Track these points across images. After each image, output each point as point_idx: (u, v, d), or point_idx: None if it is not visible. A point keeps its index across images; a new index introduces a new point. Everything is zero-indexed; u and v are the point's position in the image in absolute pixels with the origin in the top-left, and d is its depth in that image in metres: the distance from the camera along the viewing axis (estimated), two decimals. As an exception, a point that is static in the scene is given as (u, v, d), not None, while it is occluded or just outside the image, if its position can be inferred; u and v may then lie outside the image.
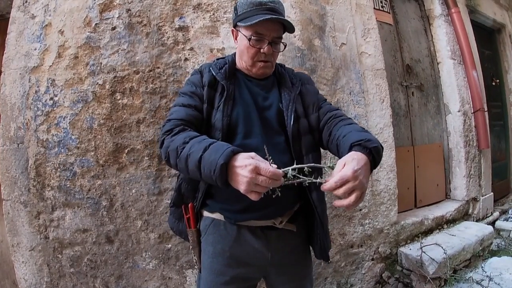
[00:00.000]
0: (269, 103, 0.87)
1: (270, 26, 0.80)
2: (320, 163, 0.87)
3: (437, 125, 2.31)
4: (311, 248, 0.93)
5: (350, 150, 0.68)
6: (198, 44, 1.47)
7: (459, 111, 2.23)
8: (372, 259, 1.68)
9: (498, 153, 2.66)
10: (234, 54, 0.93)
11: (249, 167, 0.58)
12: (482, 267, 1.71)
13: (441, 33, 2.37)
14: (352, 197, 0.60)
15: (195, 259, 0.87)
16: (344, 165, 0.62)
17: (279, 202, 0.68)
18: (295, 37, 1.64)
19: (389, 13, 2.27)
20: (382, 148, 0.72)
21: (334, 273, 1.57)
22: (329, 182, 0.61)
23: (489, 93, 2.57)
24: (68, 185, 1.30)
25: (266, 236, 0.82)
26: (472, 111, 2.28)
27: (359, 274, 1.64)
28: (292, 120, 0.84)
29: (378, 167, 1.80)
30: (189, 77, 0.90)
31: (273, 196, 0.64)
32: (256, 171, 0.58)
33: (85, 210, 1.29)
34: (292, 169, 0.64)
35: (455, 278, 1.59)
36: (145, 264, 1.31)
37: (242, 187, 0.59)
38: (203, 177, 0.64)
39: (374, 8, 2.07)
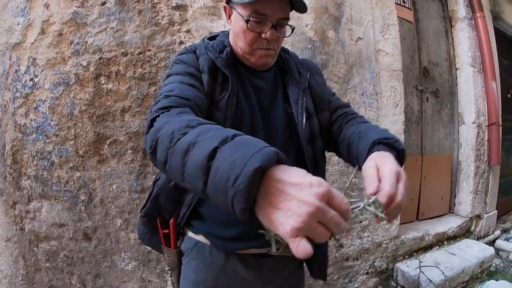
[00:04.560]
0: (273, 102, 0.61)
1: (275, 4, 0.53)
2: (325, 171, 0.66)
3: (448, 134, 1.95)
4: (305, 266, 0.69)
5: (373, 146, 0.49)
6: (196, 26, 1.14)
7: (473, 123, 1.86)
8: (367, 273, 1.41)
9: (505, 168, 2.29)
10: (228, 34, 0.63)
11: (318, 189, 0.27)
12: (479, 290, 1.42)
13: (463, 37, 1.95)
14: (400, 197, 0.39)
15: (172, 280, 0.65)
16: (378, 168, 0.43)
17: None
18: (306, 26, 1.29)
19: (411, 10, 1.85)
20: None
21: (326, 286, 1.32)
22: (383, 198, 0.38)
23: (504, 105, 2.16)
24: (45, 176, 1.05)
25: (259, 265, 0.59)
26: (487, 124, 1.90)
27: None
28: (304, 118, 0.59)
29: (383, 177, 1.50)
30: (178, 57, 0.59)
31: (339, 249, 0.40)
32: (328, 198, 0.28)
33: (62, 203, 1.05)
34: (367, 205, 0.38)
35: (453, 303, 1.32)
36: (124, 264, 1.08)
37: (292, 222, 0.27)
38: (207, 188, 0.31)
39: (396, 3, 1.66)
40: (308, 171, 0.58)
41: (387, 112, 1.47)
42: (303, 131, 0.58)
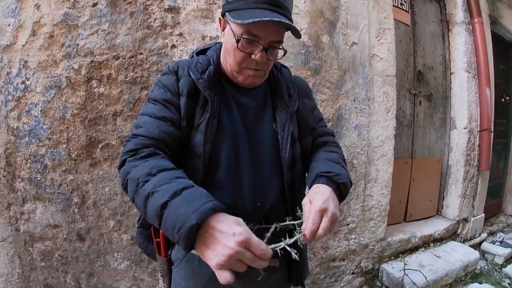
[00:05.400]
0: (260, 121, 0.60)
1: (269, 27, 0.52)
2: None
3: (440, 138, 1.94)
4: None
5: (315, 179, 0.55)
6: (189, 29, 1.12)
7: (465, 128, 1.85)
8: (353, 273, 1.44)
9: (495, 172, 2.29)
10: (220, 47, 0.61)
11: (238, 238, 0.38)
12: (462, 292, 1.45)
13: (460, 42, 1.91)
14: (321, 231, 0.48)
15: (164, 286, 0.69)
16: (310, 203, 0.51)
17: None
18: (301, 30, 1.26)
19: (408, 12, 1.81)
20: (351, 184, 0.58)
21: (312, 284, 1.35)
22: (306, 234, 0.48)
23: (496, 109, 2.14)
24: (38, 178, 1.05)
25: (246, 274, 0.60)
26: (479, 130, 1.88)
27: (337, 287, 1.41)
28: (288, 145, 0.58)
29: (373, 181, 1.50)
30: (160, 77, 0.60)
31: (258, 279, 0.48)
32: (246, 244, 0.39)
33: (56, 205, 1.06)
34: (287, 245, 0.47)
35: (435, 304, 1.34)
36: (117, 264, 1.10)
37: (217, 260, 0.38)
38: (161, 228, 0.42)
39: (393, 5, 1.62)
40: (286, 194, 0.59)
41: (379, 118, 1.45)
42: (286, 158, 0.58)
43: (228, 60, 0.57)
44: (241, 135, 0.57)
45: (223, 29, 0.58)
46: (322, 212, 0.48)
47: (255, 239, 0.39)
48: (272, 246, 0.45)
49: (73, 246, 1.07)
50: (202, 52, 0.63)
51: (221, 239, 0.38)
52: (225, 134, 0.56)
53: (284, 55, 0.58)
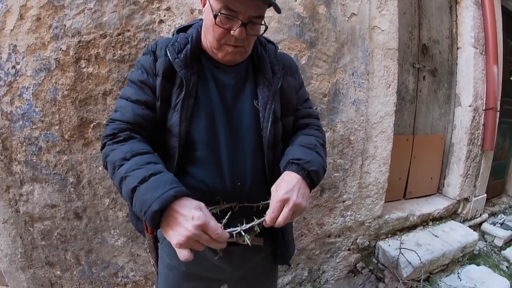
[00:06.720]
0: (240, 99, 0.59)
1: (248, 2, 0.51)
2: None
3: (443, 115, 1.89)
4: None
5: (287, 165, 0.56)
6: (177, 3, 1.09)
7: (470, 106, 1.78)
8: (349, 249, 1.46)
9: (500, 151, 2.22)
10: (201, 25, 0.60)
11: (196, 222, 0.43)
12: (458, 273, 1.45)
13: (468, 15, 1.80)
14: (281, 219, 0.50)
15: (152, 262, 0.71)
16: (276, 190, 0.53)
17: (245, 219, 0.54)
18: (295, 1, 1.21)
19: (413, -18, 1.69)
20: (325, 170, 0.59)
21: (307, 259, 1.37)
22: (267, 221, 0.51)
23: (503, 88, 2.04)
24: (34, 160, 1.07)
25: (229, 252, 0.62)
26: (484, 108, 1.81)
27: (332, 262, 1.44)
28: (270, 124, 0.58)
29: (371, 158, 1.48)
30: (140, 58, 0.61)
31: (216, 257, 0.54)
32: (203, 228, 0.44)
33: (53, 185, 1.09)
34: (242, 231, 0.51)
35: (428, 282, 1.35)
36: (114, 240, 1.14)
37: (176, 239, 0.44)
38: (133, 210, 0.48)
39: (397, -27, 1.51)
40: (266, 174, 0.59)
41: (378, 93, 1.41)
42: (267, 137, 0.58)
43: (208, 37, 0.56)
44: (218, 113, 0.57)
45: (204, 5, 0.57)
46: (284, 202, 0.50)
47: (212, 223, 0.44)
48: (229, 230, 0.48)
49: (71, 224, 1.11)
50: (184, 29, 0.62)
51: (182, 222, 0.43)
52: (201, 112, 0.56)
53: (265, 31, 0.56)
